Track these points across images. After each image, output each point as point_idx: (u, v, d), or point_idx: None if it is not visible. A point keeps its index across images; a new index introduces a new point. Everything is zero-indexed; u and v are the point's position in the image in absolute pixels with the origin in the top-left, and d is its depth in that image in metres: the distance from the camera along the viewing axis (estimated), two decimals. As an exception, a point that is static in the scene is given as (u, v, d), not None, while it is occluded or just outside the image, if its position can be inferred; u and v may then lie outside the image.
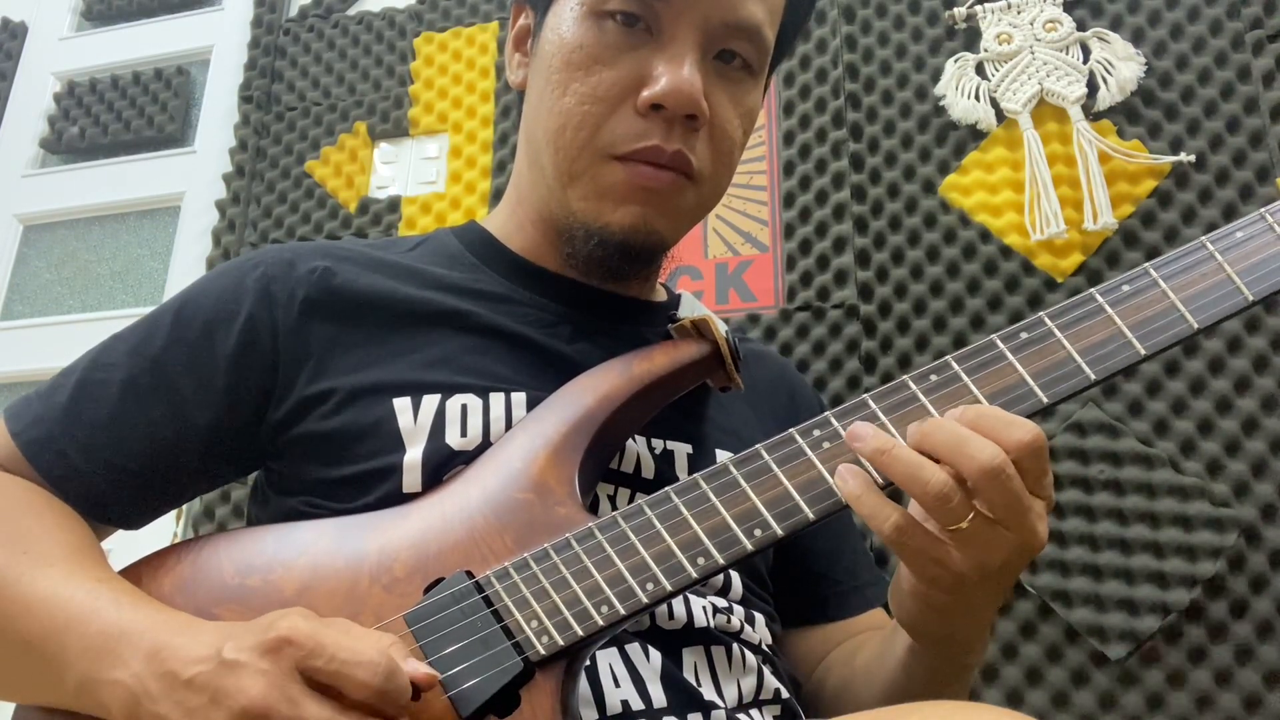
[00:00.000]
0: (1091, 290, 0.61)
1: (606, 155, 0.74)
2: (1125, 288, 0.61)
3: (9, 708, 0.68)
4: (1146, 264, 0.61)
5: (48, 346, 1.97)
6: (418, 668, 0.56)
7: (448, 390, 0.73)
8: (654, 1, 0.72)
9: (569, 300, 0.81)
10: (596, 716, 0.64)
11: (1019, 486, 0.56)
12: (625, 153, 0.73)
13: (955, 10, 1.62)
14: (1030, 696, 1.29)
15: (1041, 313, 0.61)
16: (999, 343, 0.61)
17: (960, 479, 0.57)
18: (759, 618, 0.77)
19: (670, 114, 0.72)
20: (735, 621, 0.74)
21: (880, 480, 0.59)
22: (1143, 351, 0.60)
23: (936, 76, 1.61)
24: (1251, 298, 0.59)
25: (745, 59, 0.76)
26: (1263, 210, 0.61)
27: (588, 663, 0.65)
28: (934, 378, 0.61)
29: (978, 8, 1.62)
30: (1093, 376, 0.60)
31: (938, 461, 0.57)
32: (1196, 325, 0.59)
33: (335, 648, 0.53)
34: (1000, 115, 1.55)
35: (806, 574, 0.88)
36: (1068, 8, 1.58)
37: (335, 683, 0.53)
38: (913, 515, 0.58)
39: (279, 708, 0.52)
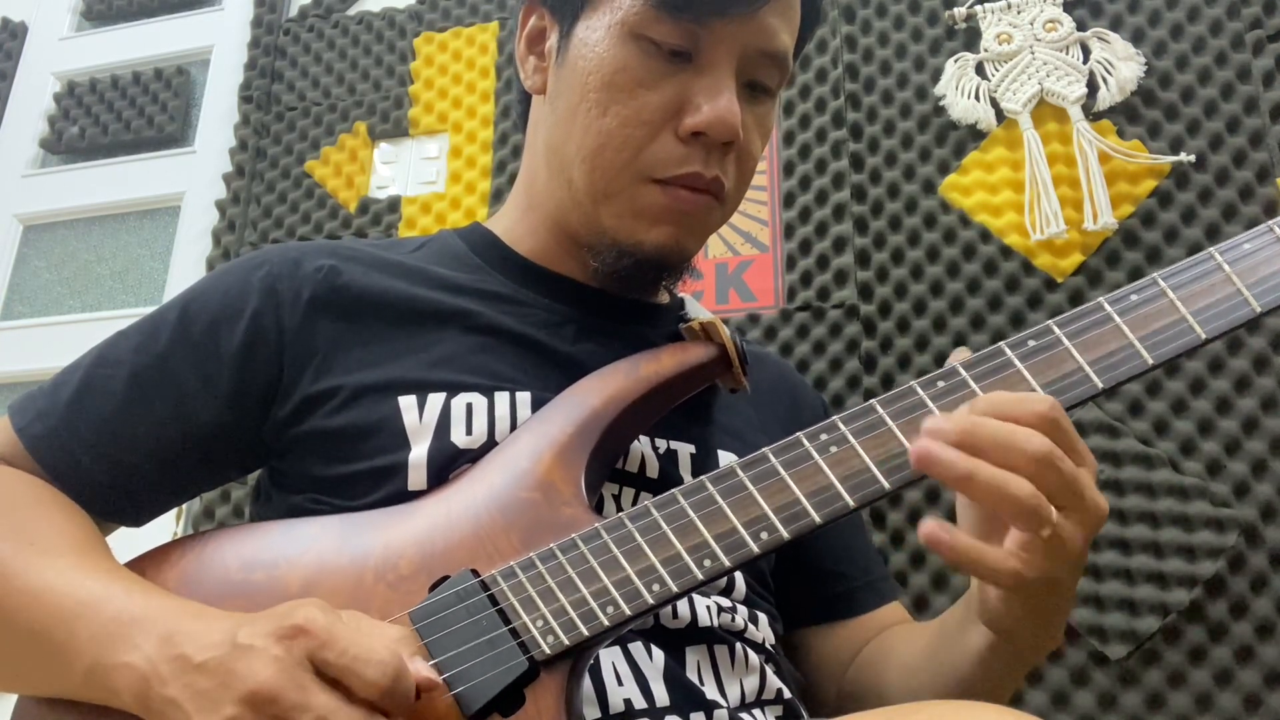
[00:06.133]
0: (1100, 299, 0.61)
1: (646, 178, 0.75)
2: (1133, 297, 0.61)
3: (8, 702, 0.68)
4: (1154, 274, 0.61)
5: (48, 346, 1.97)
6: (421, 670, 0.56)
7: (453, 389, 0.73)
8: (695, 29, 0.73)
9: (575, 301, 0.81)
10: (599, 715, 0.64)
11: (1070, 465, 0.56)
12: (666, 177, 0.75)
13: (955, 10, 1.63)
14: (1030, 696, 1.29)
15: (1050, 321, 0.61)
16: (1007, 350, 0.61)
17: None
18: (762, 617, 0.78)
19: (710, 141, 0.74)
20: (739, 621, 0.74)
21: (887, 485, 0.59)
22: (1150, 361, 0.60)
23: (936, 76, 1.61)
24: (1260, 309, 0.59)
25: (769, 85, 0.78)
26: (1270, 223, 0.61)
27: (591, 661, 0.65)
28: (941, 384, 0.61)
29: (978, 8, 1.62)
30: (1100, 385, 0.60)
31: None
32: (1205, 336, 0.60)
33: (348, 642, 0.53)
34: (1000, 115, 1.56)
35: (821, 571, 0.88)
36: (1068, 8, 1.58)
37: (344, 678, 0.53)
38: (1011, 547, 0.56)
39: (287, 693, 0.52)
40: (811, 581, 0.87)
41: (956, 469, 0.56)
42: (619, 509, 0.71)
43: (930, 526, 0.56)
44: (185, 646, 0.56)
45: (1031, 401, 0.57)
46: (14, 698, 0.67)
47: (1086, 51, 1.55)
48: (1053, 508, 0.55)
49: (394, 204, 1.85)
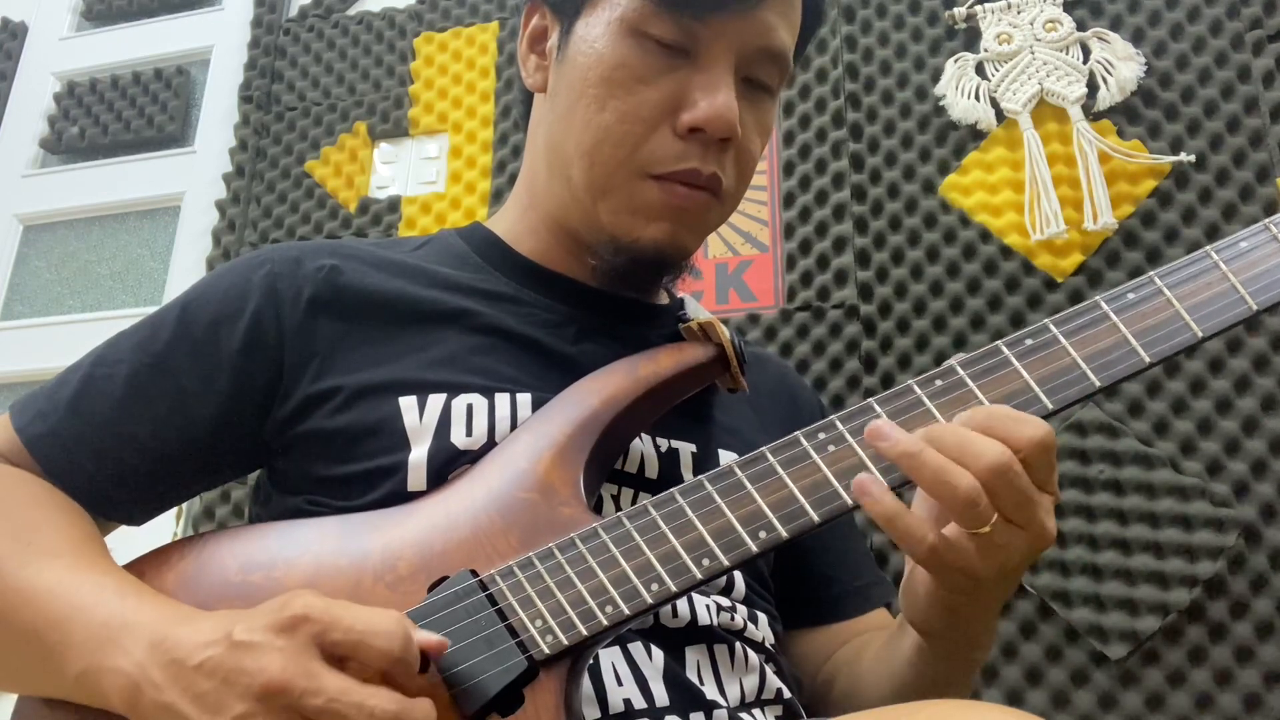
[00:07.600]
0: (1097, 298, 0.62)
1: (643, 174, 0.75)
2: (1130, 295, 0.61)
3: (9, 700, 0.68)
4: (1151, 272, 0.62)
5: (48, 346, 1.97)
6: (428, 636, 0.56)
7: (453, 390, 0.73)
8: (694, 26, 0.73)
9: (575, 302, 0.81)
10: (599, 715, 0.64)
11: (1027, 483, 0.57)
12: (663, 173, 0.75)
13: (955, 10, 1.63)
14: (1030, 696, 1.29)
15: (1047, 319, 0.62)
16: (1004, 349, 0.62)
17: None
18: (762, 617, 0.78)
19: (707, 137, 0.74)
20: (739, 620, 0.74)
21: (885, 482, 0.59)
22: (1147, 359, 0.60)
23: (936, 76, 1.61)
24: (1256, 307, 0.60)
25: (768, 83, 0.78)
26: (1267, 221, 0.61)
27: (590, 661, 0.65)
28: (939, 382, 0.62)
29: (978, 8, 1.62)
30: (1097, 383, 0.60)
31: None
32: (1201, 334, 0.60)
33: (352, 619, 0.54)
34: (1000, 115, 1.56)
35: (811, 574, 0.88)
36: (1068, 8, 1.58)
37: (355, 653, 0.53)
38: (942, 530, 0.58)
39: (298, 681, 0.52)
40: (802, 584, 0.87)
41: (901, 445, 0.58)
42: (618, 509, 0.71)
43: (863, 476, 0.59)
44: (176, 651, 0.56)
45: (1026, 424, 0.57)
46: (14, 697, 0.67)
47: (1086, 51, 1.55)
48: (995, 512, 0.57)
49: (394, 204, 1.85)
